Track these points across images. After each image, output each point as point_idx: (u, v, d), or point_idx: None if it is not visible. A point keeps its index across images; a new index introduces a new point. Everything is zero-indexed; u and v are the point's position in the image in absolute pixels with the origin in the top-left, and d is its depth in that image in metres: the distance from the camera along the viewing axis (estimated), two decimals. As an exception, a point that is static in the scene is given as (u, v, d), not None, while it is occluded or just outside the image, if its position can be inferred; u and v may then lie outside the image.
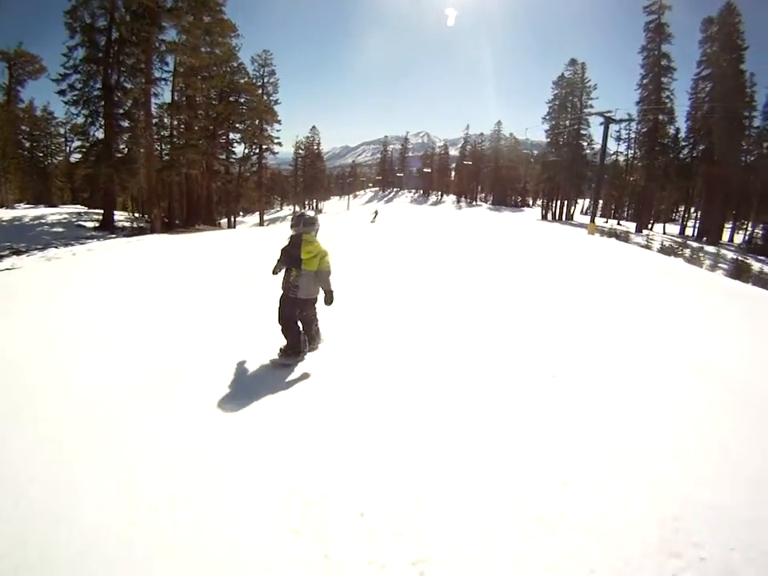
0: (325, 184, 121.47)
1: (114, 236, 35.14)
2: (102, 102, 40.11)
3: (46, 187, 66.28)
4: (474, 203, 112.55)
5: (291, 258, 6.44)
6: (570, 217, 79.15)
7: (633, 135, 74.48)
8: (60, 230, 34.98)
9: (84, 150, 42.55)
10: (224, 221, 71.11)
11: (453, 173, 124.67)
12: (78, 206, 49.82)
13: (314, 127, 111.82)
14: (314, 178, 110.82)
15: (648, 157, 66.10)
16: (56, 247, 28.46)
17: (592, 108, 73.62)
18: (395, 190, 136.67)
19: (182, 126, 50.32)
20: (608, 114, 46.38)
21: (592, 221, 43.79)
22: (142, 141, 41.73)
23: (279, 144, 74.03)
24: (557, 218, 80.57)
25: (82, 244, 29.90)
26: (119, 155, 41.75)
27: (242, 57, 58.78)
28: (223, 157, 66.01)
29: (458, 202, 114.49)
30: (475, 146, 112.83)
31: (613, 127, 58.31)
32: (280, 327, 6.52)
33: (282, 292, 6.56)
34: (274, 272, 6.74)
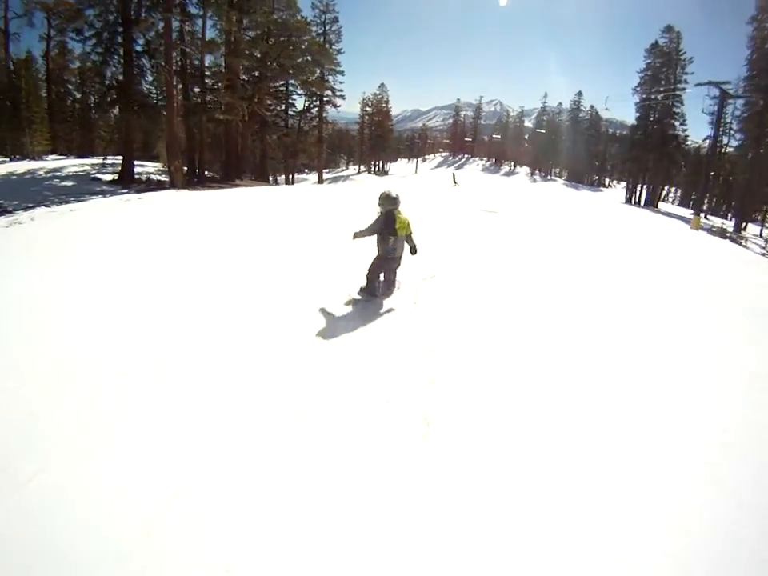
0: (392, 144, 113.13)
1: (125, 191, 30.91)
2: (120, 39, 34.30)
3: (89, 138, 61.27)
4: (549, 177, 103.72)
5: (388, 228, 7.75)
6: (655, 204, 68.96)
7: (728, 120, 64.66)
8: (70, 183, 32.31)
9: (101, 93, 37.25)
10: (281, 177, 67.16)
11: (526, 144, 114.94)
12: (109, 157, 44.09)
13: (382, 84, 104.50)
14: (381, 137, 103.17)
15: (755, 145, 54.72)
16: (47, 205, 24.76)
17: (687, 84, 63.63)
18: (466, 156, 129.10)
19: (218, 67, 43.91)
20: (724, 86, 37.15)
21: (697, 214, 36.53)
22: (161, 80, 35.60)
23: (342, 97, 67.16)
24: (641, 203, 70.83)
25: (80, 201, 26.47)
26: (138, 98, 35.76)
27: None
28: (281, 108, 62.20)
29: (532, 174, 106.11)
30: (552, 116, 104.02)
31: (705, 108, 48.43)
32: (367, 274, 8.03)
33: (379, 253, 7.99)
34: (355, 237, 7.95)
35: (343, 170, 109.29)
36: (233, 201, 21.18)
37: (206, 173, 44.62)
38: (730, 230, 46.00)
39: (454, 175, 68.86)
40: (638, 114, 68.85)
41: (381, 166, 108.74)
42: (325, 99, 66.50)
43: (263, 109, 48.88)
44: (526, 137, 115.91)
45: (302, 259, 10.30)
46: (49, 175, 34.27)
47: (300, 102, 65.62)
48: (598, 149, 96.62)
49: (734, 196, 66.03)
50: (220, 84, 42.20)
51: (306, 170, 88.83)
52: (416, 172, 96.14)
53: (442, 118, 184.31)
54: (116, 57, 34.83)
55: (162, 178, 37.21)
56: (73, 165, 39.08)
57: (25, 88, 49.13)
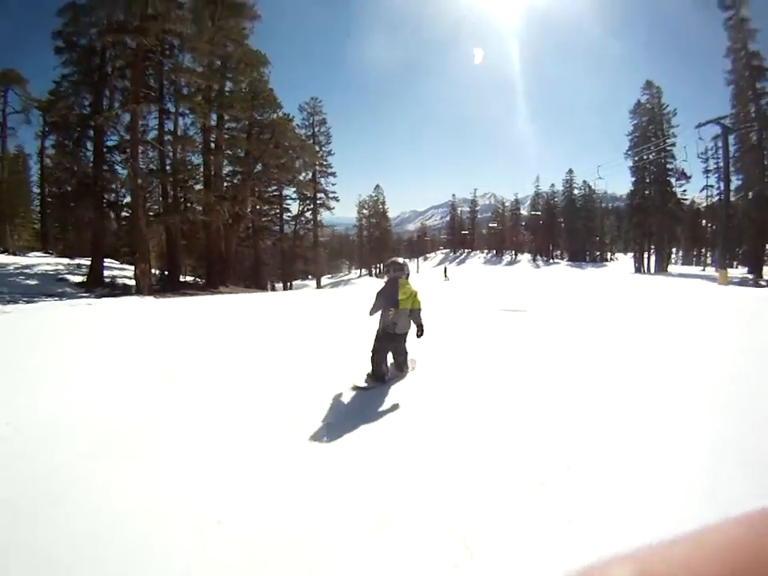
0: (391, 245, 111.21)
1: (86, 294, 29.46)
2: (92, 132, 33.47)
3: (80, 238, 58.46)
4: (552, 261, 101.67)
5: (389, 299, 6.92)
6: (665, 267, 65.55)
7: (717, 165, 60.03)
8: (33, 282, 31.44)
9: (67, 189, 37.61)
10: (280, 285, 64.46)
11: (524, 231, 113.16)
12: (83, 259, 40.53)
13: (377, 186, 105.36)
14: (380, 238, 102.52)
15: (759, 182, 51.10)
16: None
17: (675, 137, 62.14)
18: (466, 251, 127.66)
19: (197, 165, 41.93)
20: (723, 121, 35.22)
21: (722, 267, 33.68)
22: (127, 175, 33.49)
23: (336, 199, 67.05)
24: (650, 270, 67.68)
25: (30, 302, 25.12)
26: (106, 197, 35.22)
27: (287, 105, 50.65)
28: (275, 213, 62.08)
29: (534, 260, 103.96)
30: (548, 200, 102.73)
31: (699, 152, 50.27)
32: (371, 356, 7.10)
33: (379, 327, 7.10)
34: (371, 313, 7.11)
35: (345, 275, 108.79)
36: (199, 308, 19.60)
37: (188, 278, 43.06)
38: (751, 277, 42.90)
39: (445, 269, 67.70)
40: (633, 179, 67.01)
41: (381, 268, 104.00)
42: (318, 202, 65.73)
43: (248, 211, 46.56)
44: (523, 224, 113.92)
45: (289, 355, 9.16)
46: (17, 272, 33.55)
47: (295, 207, 63.53)
48: (594, 224, 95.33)
49: (743, 240, 61.78)
50: (195, 183, 40.42)
51: (310, 276, 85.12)
52: (417, 271, 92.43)
53: (440, 216, 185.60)
54: (87, 152, 33.99)
55: (132, 282, 34.75)
56: (48, 263, 37.83)
57: (7, 182, 47.49)
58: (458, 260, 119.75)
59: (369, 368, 7.14)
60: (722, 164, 62.07)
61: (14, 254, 43.05)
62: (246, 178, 44.00)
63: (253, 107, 44.15)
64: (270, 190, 59.47)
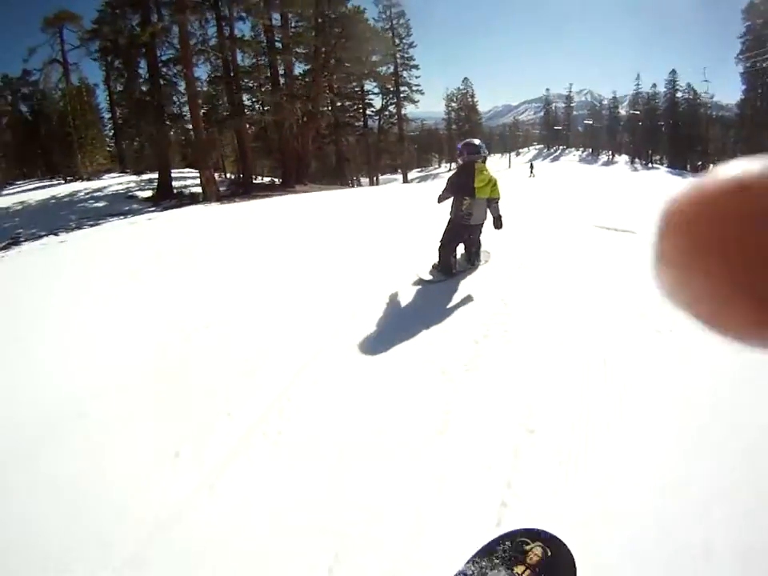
0: (481, 138, 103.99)
1: (152, 208, 29.63)
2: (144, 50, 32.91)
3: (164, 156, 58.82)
4: (651, 165, 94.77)
5: (463, 187, 6.29)
6: None
7: None
8: (102, 204, 31.71)
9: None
10: (366, 180, 63.62)
11: (622, 132, 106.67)
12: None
13: (466, 79, 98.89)
14: (470, 132, 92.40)
15: None
16: (56, 233, 24.30)
17: None
18: (561, 147, 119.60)
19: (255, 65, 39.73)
20: None
21: None
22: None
23: (420, 92, 63.10)
24: None
25: (97, 224, 25.89)
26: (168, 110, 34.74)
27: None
28: (357, 108, 59.97)
29: (632, 163, 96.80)
30: (648, 100, 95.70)
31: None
32: (439, 246, 6.59)
33: (451, 217, 6.54)
34: (439, 200, 6.58)
35: (436, 169, 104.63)
36: (266, 209, 18.72)
37: (265, 180, 42.33)
38: None
39: (531, 164, 66.19)
40: (744, 87, 61.19)
41: None
42: (402, 95, 62.43)
43: (324, 108, 44.11)
44: (621, 124, 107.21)
45: (356, 247, 9.11)
46: (87, 197, 33.69)
47: (378, 102, 60.83)
48: (698, 131, 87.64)
49: None
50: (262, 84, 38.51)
51: (399, 171, 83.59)
52: (509, 166, 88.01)
53: (533, 112, 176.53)
54: (140, 70, 33.66)
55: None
56: (119, 183, 38.06)
57: (72, 114, 46.95)
58: (551, 156, 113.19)
59: (435, 260, 6.66)
60: None
61: (88, 180, 43.43)
62: (317, 74, 41.37)
63: (318, 2, 40.32)
64: (350, 86, 57.07)
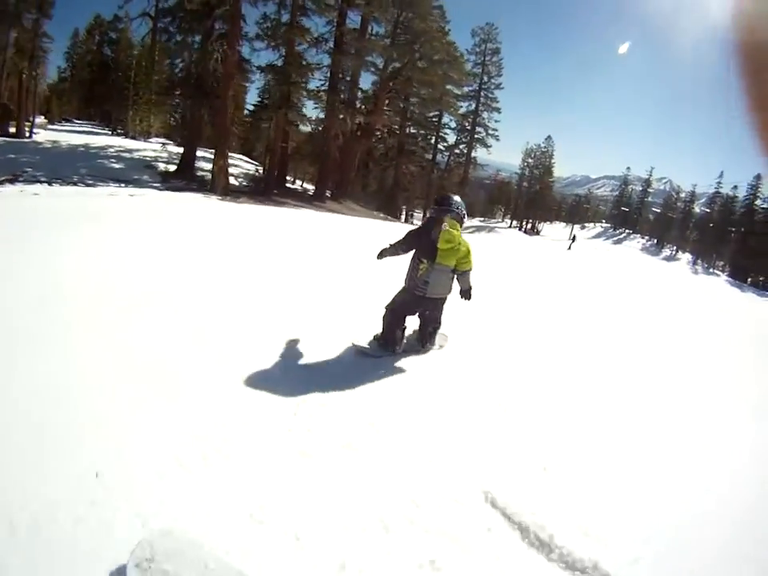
0: (549, 203, 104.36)
1: (157, 185, 27.33)
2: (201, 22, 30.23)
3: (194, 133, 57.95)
4: (711, 270, 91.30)
5: (423, 247, 5.24)
6: None
7: None
8: (119, 166, 29.63)
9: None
10: (420, 214, 60.38)
11: (691, 231, 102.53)
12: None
13: (549, 137, 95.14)
14: (539, 193, 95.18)
15: None
16: (61, 184, 23.24)
17: None
18: (627, 231, 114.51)
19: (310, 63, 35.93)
20: None
21: None
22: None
23: (495, 137, 60.86)
24: None
25: (97, 186, 24.54)
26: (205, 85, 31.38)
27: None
28: (428, 139, 58.25)
29: (695, 264, 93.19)
30: (726, 202, 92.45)
31: None
32: (384, 313, 5.49)
33: (404, 285, 5.42)
34: (380, 255, 5.55)
35: (498, 222, 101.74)
36: (262, 220, 17.14)
37: (300, 184, 41.68)
38: None
39: (574, 236, 63.67)
40: None
41: (533, 224, 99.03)
42: (476, 136, 60.03)
43: (383, 127, 40.72)
44: (693, 221, 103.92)
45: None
46: (114, 154, 32.21)
47: (453, 138, 58.30)
48: None
49: None
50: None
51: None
52: (571, 238, 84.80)
53: (610, 188, 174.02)
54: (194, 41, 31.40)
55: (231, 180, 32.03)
56: (153, 150, 35.95)
57: (136, 69, 47.74)
58: (615, 238, 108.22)
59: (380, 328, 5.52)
60: None
61: (133, 138, 43.28)
62: (381, 89, 38.14)
63: (401, 9, 37.31)
64: (428, 114, 54.98)
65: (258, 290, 7.36)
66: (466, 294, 5.51)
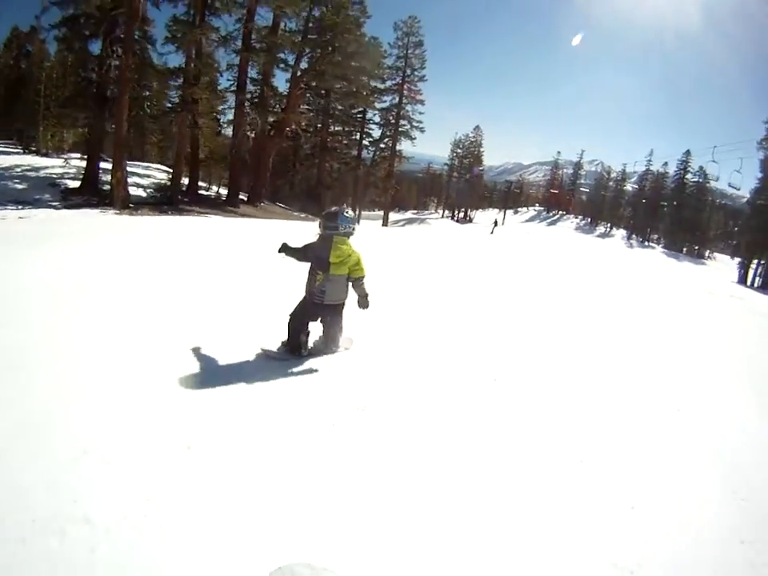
0: (480, 191, 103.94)
1: (56, 204, 25.77)
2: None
3: (140, 143, 55.42)
4: (647, 244, 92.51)
5: (317, 260, 5.74)
6: None
7: None
8: (23, 186, 28.09)
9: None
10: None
11: (624, 208, 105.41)
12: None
13: (477, 127, 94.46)
14: (469, 182, 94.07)
15: None
16: None
17: None
18: (561, 213, 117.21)
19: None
20: None
21: None
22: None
23: (420, 129, 58.86)
24: (752, 282, 57.50)
25: None
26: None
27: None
28: (353, 137, 57.11)
29: (629, 238, 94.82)
30: (657, 178, 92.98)
31: None
32: (289, 319, 5.79)
33: (304, 294, 5.89)
34: (281, 250, 5.96)
35: (431, 213, 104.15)
36: (155, 234, 15.79)
37: (217, 190, 38.45)
38: None
39: (495, 221, 64.53)
40: (762, 174, 55.94)
41: (466, 213, 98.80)
42: (401, 129, 58.20)
43: (297, 124, 38.84)
44: (625, 199, 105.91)
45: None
46: (19, 174, 30.29)
47: (378, 133, 57.18)
48: (701, 216, 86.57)
49: None
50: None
51: (398, 209, 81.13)
52: (503, 223, 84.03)
53: (543, 174, 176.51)
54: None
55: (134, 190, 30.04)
56: (62, 167, 33.27)
57: (45, 82, 44.60)
58: (549, 221, 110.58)
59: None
60: None
61: (45, 155, 39.84)
62: (294, 85, 36.07)
63: (313, 3, 35.66)
64: (354, 111, 54.75)
65: (147, 305, 7.17)
66: (362, 301, 5.84)
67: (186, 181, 33.82)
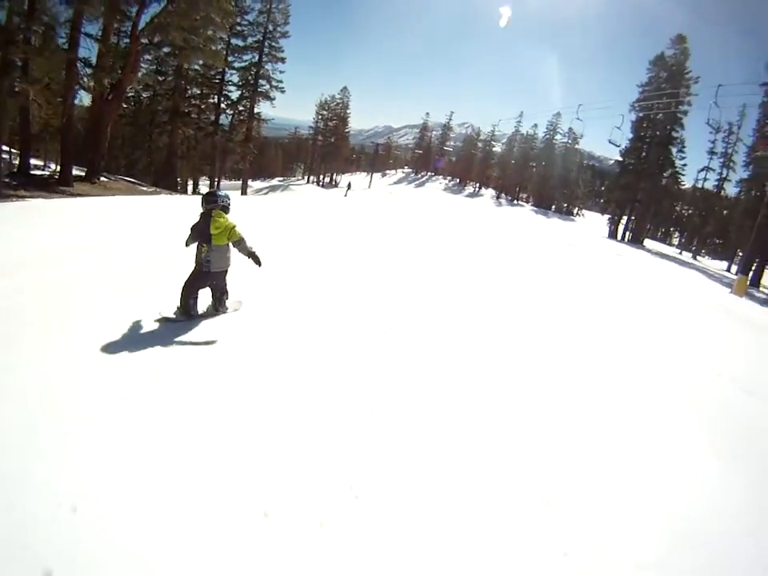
0: (345, 153, 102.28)
1: None
2: None
3: None
4: (516, 202, 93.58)
5: (201, 234, 6.59)
6: (640, 241, 57.72)
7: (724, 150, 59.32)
8: None
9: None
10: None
11: (493, 169, 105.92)
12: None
13: (344, 88, 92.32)
14: (334, 145, 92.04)
15: None
16: None
17: (689, 106, 52.37)
18: (429, 174, 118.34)
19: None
20: None
21: (744, 273, 25.25)
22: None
23: (281, 89, 55.25)
24: (625, 238, 59.50)
25: None
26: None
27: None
28: (211, 101, 52.67)
29: (498, 197, 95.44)
30: (527, 139, 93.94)
31: (707, 135, 52.93)
32: (182, 288, 6.65)
33: (194, 265, 6.72)
34: (187, 244, 6.85)
35: (297, 180, 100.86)
36: None
37: (55, 168, 32.55)
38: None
39: (349, 183, 63.87)
40: (632, 136, 57.40)
41: (331, 177, 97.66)
42: (260, 90, 54.17)
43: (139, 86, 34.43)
44: (494, 160, 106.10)
45: None
46: None
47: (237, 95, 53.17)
48: (570, 175, 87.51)
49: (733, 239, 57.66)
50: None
51: (264, 177, 78.74)
52: (369, 186, 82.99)
53: (413, 137, 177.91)
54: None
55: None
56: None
57: None
58: (417, 182, 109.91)
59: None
60: (729, 150, 59.18)
61: None
62: (133, 42, 30.41)
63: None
64: (209, 72, 50.24)
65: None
66: (252, 258, 6.70)
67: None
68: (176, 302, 6.61)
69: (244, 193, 55.76)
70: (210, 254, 6.43)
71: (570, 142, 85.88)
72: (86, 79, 28.73)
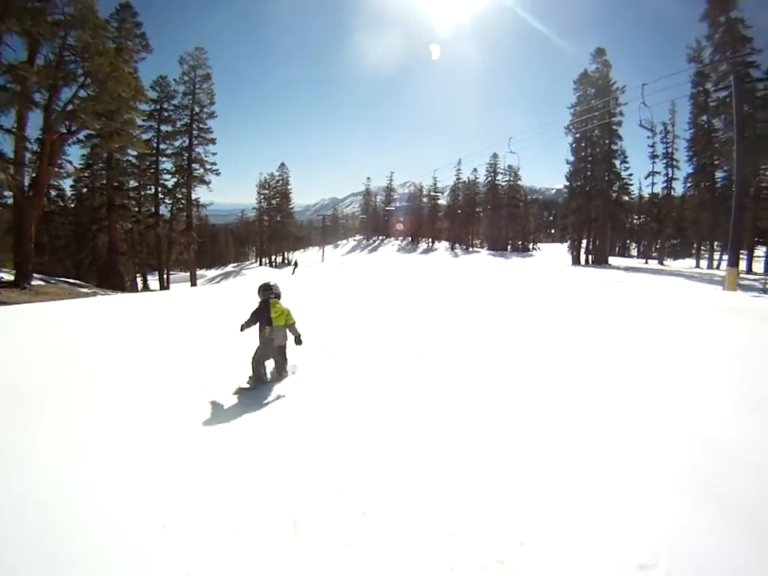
0: (293, 230, 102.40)
1: None
2: None
3: None
4: (471, 249, 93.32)
5: (263, 318, 7.33)
6: (605, 260, 56.63)
7: (664, 150, 59.51)
8: None
9: None
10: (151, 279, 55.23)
11: (442, 221, 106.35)
12: None
13: (282, 164, 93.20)
14: (281, 222, 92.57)
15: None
16: None
17: (622, 116, 53.48)
18: (381, 238, 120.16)
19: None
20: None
21: (734, 265, 24.39)
22: None
23: (215, 172, 54.45)
24: (585, 261, 59.05)
25: None
26: None
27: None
28: (147, 191, 52.03)
29: (453, 248, 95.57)
30: (469, 186, 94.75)
31: (645, 141, 55.08)
32: (251, 361, 7.34)
33: (260, 343, 7.38)
34: (242, 329, 7.50)
35: (251, 264, 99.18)
36: None
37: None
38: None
39: (295, 262, 62.72)
40: (573, 158, 57.71)
41: (283, 256, 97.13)
42: (195, 174, 53.02)
43: (50, 180, 31.98)
44: (441, 213, 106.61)
45: None
46: None
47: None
48: (518, 211, 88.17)
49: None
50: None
51: (217, 266, 77.56)
52: (323, 260, 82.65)
53: (358, 204, 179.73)
54: None
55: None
56: None
57: None
58: (370, 248, 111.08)
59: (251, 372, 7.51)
60: (669, 149, 59.00)
61: None
62: (48, 130, 28.75)
63: (66, 27, 28.44)
64: (143, 163, 49.64)
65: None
66: (298, 340, 7.48)
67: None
68: (247, 374, 7.25)
69: (194, 283, 53.41)
70: (272, 333, 7.21)
71: (512, 179, 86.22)
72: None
